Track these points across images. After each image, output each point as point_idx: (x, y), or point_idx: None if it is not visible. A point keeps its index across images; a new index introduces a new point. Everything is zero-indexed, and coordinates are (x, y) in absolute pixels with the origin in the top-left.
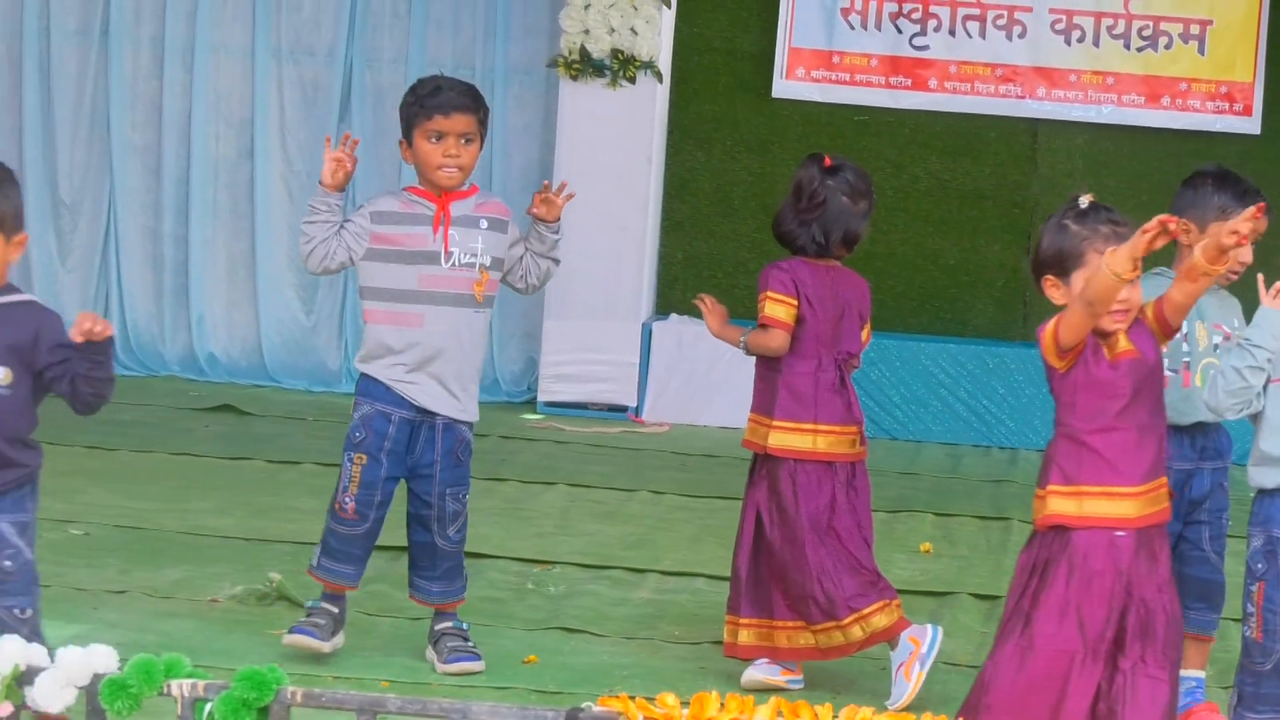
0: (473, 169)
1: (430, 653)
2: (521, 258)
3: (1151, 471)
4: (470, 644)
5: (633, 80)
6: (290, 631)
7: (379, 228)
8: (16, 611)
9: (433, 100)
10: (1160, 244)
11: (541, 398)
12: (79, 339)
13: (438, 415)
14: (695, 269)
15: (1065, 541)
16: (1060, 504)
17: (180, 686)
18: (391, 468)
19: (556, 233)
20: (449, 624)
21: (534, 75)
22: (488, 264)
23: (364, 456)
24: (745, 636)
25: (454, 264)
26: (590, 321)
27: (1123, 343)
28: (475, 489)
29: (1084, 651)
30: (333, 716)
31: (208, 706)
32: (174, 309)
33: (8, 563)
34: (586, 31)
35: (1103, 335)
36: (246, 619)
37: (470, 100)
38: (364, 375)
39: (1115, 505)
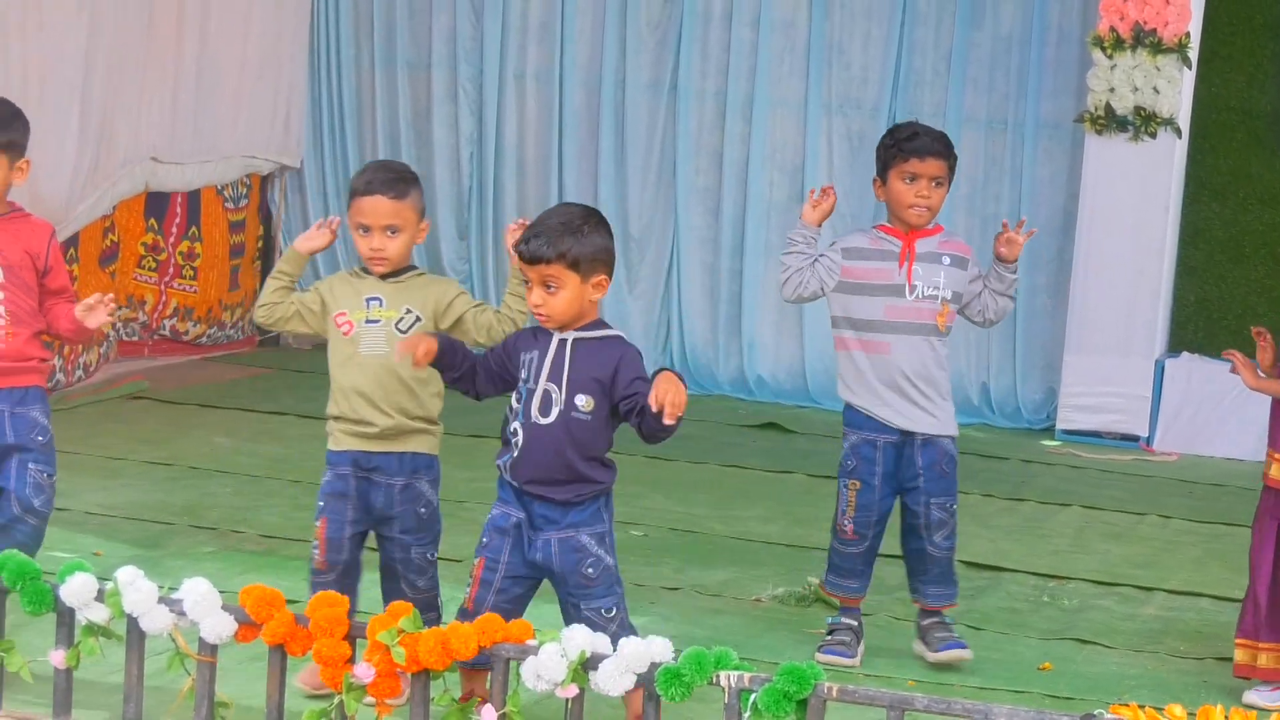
0: (939, 210)
1: (919, 645)
2: (980, 294)
3: None
4: (955, 634)
5: (1153, 135)
6: (820, 651)
7: (850, 262)
8: (603, 611)
9: (910, 144)
10: None
11: (1060, 425)
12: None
13: (917, 434)
14: (1206, 311)
15: None
16: None
17: (728, 678)
18: (885, 489)
19: (1014, 273)
20: (935, 619)
21: (1061, 130)
22: (949, 297)
23: (858, 482)
24: (1265, 660)
25: (917, 296)
26: (1107, 357)
27: None
28: (997, 508)
29: None
30: (863, 712)
31: (752, 697)
32: (727, 336)
33: (590, 570)
34: (1112, 90)
35: None
36: (786, 618)
37: (943, 147)
38: (848, 405)
39: None
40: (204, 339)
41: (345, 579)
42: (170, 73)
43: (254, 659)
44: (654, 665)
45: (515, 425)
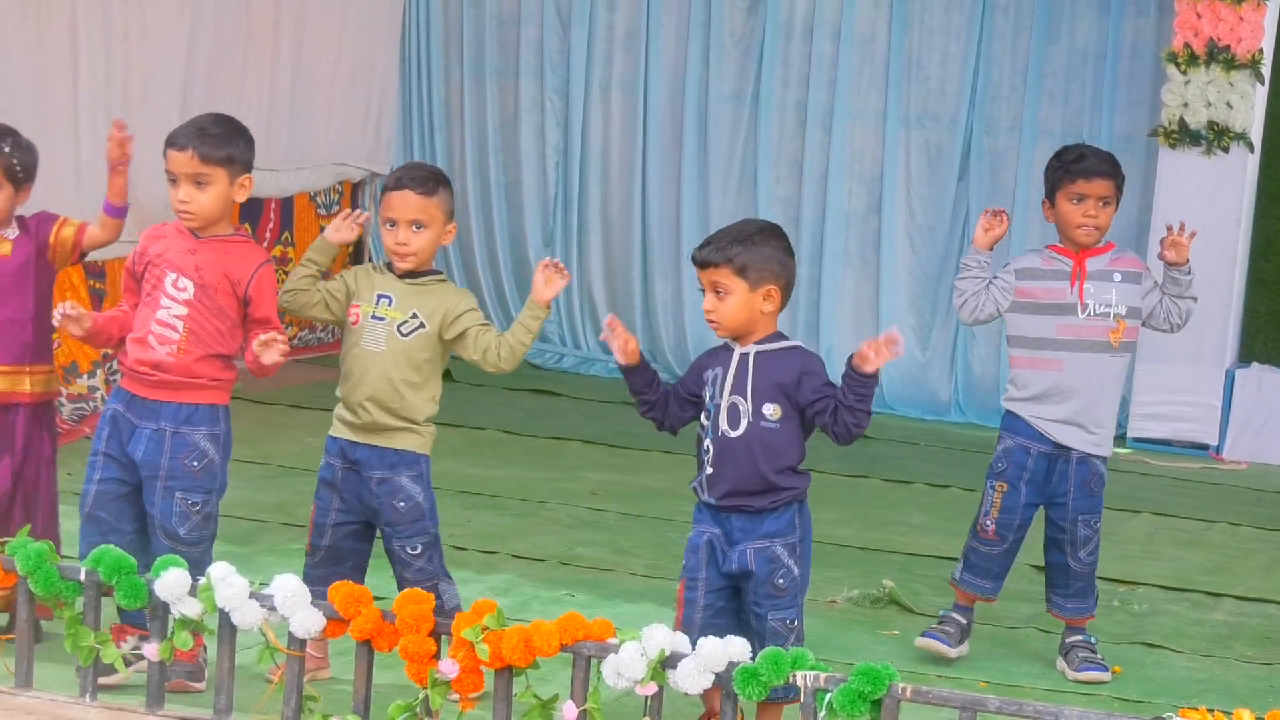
0: (1108, 228)
1: (1061, 662)
2: (1160, 302)
3: None
4: (1099, 656)
5: (1226, 150)
6: (923, 636)
7: (1022, 283)
8: (787, 621)
9: (1077, 166)
10: None
11: (1131, 433)
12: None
13: (1073, 450)
14: (1277, 322)
15: None
16: None
17: (805, 677)
18: (1030, 495)
19: (1188, 274)
20: (1079, 637)
21: (1135, 144)
22: (1123, 313)
23: (1005, 485)
24: None
25: (1089, 314)
26: (1178, 366)
27: None
28: None
29: None
30: (935, 713)
31: (828, 697)
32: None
33: (781, 581)
34: (1185, 105)
35: None
36: (861, 619)
37: (1110, 167)
38: (1008, 412)
39: None
40: (295, 341)
41: (334, 565)
42: (266, 81)
43: (341, 654)
44: (731, 664)
45: (707, 443)
